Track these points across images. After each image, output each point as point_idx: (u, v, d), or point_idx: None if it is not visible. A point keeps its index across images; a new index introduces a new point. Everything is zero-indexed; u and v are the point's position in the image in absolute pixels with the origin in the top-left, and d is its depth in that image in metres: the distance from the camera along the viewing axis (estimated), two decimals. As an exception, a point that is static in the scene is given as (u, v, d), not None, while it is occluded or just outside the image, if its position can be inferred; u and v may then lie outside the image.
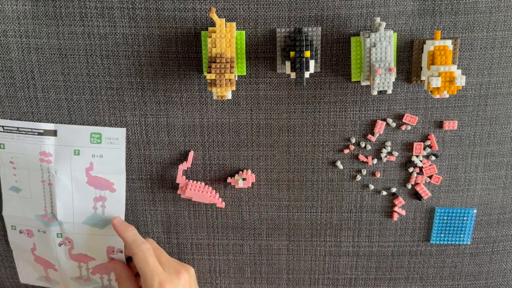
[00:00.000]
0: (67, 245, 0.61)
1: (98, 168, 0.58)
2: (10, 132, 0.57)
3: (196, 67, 0.55)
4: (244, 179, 0.58)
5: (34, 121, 0.57)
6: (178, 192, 0.58)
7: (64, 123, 0.57)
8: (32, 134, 0.57)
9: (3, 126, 0.57)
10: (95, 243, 0.61)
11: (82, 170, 0.58)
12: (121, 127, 0.57)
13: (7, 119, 0.57)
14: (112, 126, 0.57)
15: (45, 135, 0.57)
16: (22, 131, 0.57)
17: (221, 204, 0.59)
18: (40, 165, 0.58)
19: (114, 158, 0.58)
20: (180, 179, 0.58)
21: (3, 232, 0.63)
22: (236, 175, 0.58)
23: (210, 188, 0.59)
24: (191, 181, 0.58)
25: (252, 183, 0.59)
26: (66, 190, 0.59)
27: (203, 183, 0.59)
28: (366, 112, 0.56)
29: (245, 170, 0.58)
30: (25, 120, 0.57)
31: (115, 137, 0.57)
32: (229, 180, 0.58)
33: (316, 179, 0.59)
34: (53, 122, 0.57)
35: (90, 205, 0.59)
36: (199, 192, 0.57)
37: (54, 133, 0.57)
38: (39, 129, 0.57)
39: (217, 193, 0.59)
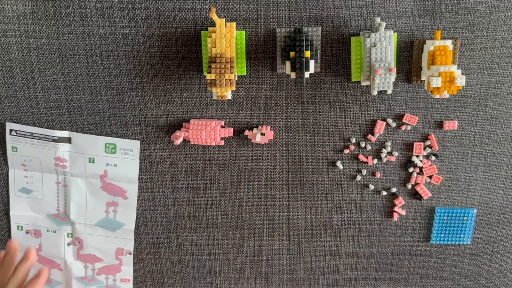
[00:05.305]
0: (76, 245, 0.62)
1: (112, 176, 0.59)
2: (24, 137, 0.57)
3: (196, 67, 0.54)
4: (262, 134, 0.55)
5: (36, 126, 0.57)
6: (172, 138, 0.56)
7: (65, 123, 0.57)
8: (46, 140, 0.57)
9: (16, 131, 0.57)
10: (105, 244, 0.62)
11: (97, 176, 0.59)
12: (120, 126, 0.57)
13: (8, 120, 0.57)
14: (112, 125, 0.57)
15: (59, 142, 0.57)
16: (36, 136, 0.57)
17: (219, 142, 0.56)
18: (55, 169, 0.59)
19: (128, 168, 0.58)
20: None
21: (7, 233, 0.63)
22: (255, 129, 0.56)
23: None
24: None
25: (270, 140, 0.56)
26: (80, 193, 0.60)
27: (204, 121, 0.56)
28: (366, 112, 0.56)
29: (264, 126, 0.56)
30: (39, 125, 0.57)
31: (130, 149, 0.58)
32: (246, 132, 0.56)
33: (316, 179, 0.59)
34: (53, 123, 0.57)
35: (102, 208, 0.60)
36: (198, 131, 0.54)
37: (68, 140, 0.58)
38: (53, 136, 0.57)
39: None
